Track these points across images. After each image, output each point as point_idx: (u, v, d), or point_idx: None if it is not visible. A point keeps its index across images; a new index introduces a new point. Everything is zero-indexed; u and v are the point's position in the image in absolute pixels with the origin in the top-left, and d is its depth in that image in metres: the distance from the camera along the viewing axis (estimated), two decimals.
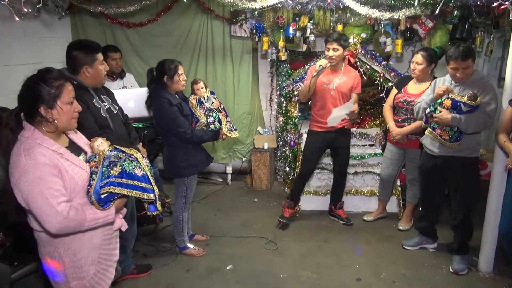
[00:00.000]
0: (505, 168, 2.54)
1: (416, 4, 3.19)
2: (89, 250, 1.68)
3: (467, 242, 2.89)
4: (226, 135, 2.99)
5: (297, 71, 4.23)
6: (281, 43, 4.03)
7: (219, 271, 2.92)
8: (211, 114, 2.91)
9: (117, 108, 2.51)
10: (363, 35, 3.81)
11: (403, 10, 3.30)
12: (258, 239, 3.36)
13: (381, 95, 3.87)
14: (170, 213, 3.59)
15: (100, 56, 2.29)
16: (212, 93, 3.08)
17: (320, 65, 3.09)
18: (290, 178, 4.26)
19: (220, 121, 2.93)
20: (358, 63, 3.71)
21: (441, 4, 3.03)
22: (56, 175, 1.52)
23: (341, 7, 3.65)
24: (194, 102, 2.92)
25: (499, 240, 2.76)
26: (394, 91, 3.36)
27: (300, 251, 3.17)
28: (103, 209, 1.64)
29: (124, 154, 1.73)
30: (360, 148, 3.97)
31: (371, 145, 4.01)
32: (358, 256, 3.08)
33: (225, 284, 2.77)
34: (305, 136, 3.69)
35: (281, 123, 4.31)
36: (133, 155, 1.74)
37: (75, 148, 1.70)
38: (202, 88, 2.99)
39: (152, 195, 1.69)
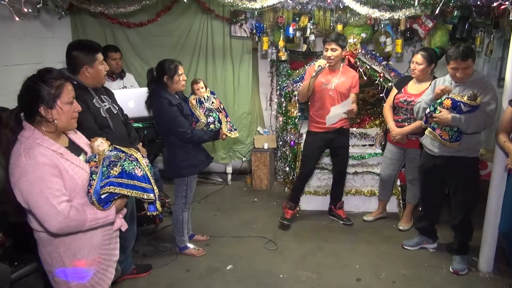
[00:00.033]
0: (505, 168, 2.54)
1: (416, 4, 3.19)
2: (89, 250, 1.68)
3: (467, 242, 2.89)
4: (226, 135, 2.99)
5: (297, 71, 4.23)
6: (281, 43, 4.03)
7: (219, 271, 2.92)
8: (211, 114, 2.91)
9: (117, 108, 2.51)
10: (363, 35, 3.81)
11: (403, 10, 3.30)
12: (258, 239, 3.36)
13: (381, 95, 3.88)
14: (170, 213, 3.59)
15: (100, 56, 2.29)
16: (212, 93, 3.08)
17: (319, 66, 3.09)
18: (290, 178, 4.26)
19: (220, 121, 2.93)
20: (358, 63, 3.71)
21: (441, 4, 3.03)
22: (56, 175, 1.52)
23: (341, 7, 3.65)
24: (194, 102, 2.92)
25: (499, 240, 2.76)
26: (394, 91, 3.36)
27: (300, 251, 3.17)
28: (104, 210, 1.64)
29: (124, 154, 1.73)
30: (360, 148, 3.97)
31: (371, 145, 4.01)
32: (358, 256, 3.08)
33: (225, 284, 2.77)
34: (305, 136, 3.69)
35: (281, 123, 4.31)
36: (133, 155, 1.74)
37: (75, 148, 1.71)
38: (202, 88, 2.99)
39: (152, 195, 1.69)
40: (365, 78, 3.79)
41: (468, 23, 3.70)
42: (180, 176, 2.90)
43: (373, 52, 3.79)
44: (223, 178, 4.81)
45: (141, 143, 2.68)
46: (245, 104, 4.59)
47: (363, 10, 3.18)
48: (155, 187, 1.73)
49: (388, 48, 3.83)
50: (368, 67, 3.73)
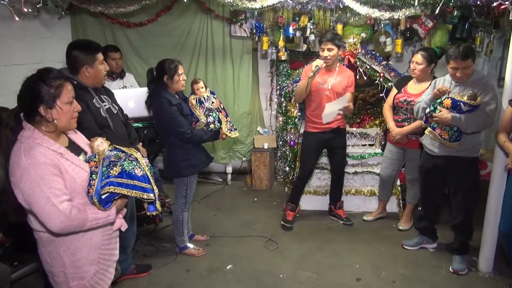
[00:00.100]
0: (505, 168, 2.54)
1: (416, 4, 3.19)
2: (88, 250, 1.68)
3: (467, 242, 2.89)
4: (226, 135, 2.98)
5: (297, 71, 4.23)
6: (281, 43, 4.03)
7: (219, 271, 2.92)
8: (211, 114, 2.91)
9: (117, 108, 2.51)
10: (363, 35, 3.81)
11: (403, 10, 3.29)
12: (258, 239, 3.36)
13: (381, 95, 3.88)
14: (170, 213, 3.59)
15: (100, 56, 2.29)
16: (212, 93, 3.08)
17: (316, 66, 3.09)
18: (290, 178, 4.26)
19: (220, 121, 2.93)
20: (358, 63, 3.71)
21: (441, 4, 3.03)
22: (57, 174, 1.52)
23: (341, 7, 3.64)
24: (194, 102, 2.92)
25: (499, 240, 2.76)
26: (394, 91, 3.36)
27: (300, 251, 3.17)
28: (105, 210, 1.64)
29: (123, 154, 1.73)
30: (360, 148, 3.97)
31: (371, 145, 4.01)
32: (358, 256, 3.08)
33: (225, 284, 2.77)
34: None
35: (281, 123, 4.31)
36: (132, 155, 1.74)
37: (75, 148, 1.70)
38: (202, 88, 2.99)
39: (152, 195, 1.69)
40: (365, 78, 3.79)
41: (468, 23, 3.70)
42: (180, 176, 2.90)
43: (373, 52, 3.79)
44: (223, 178, 4.81)
45: (141, 143, 2.67)
46: (245, 104, 4.59)
47: (363, 10, 3.18)
48: (155, 187, 1.72)
49: (388, 48, 3.83)
50: (368, 67, 3.73)
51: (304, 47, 4.22)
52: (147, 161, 1.78)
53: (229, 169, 4.74)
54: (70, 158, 1.60)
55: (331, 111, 3.21)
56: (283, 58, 4.16)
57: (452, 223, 2.90)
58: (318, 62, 3.11)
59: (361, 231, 3.49)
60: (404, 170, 3.51)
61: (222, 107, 3.05)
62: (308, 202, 3.87)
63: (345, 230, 3.52)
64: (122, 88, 3.58)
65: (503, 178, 2.65)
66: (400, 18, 3.39)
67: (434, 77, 3.04)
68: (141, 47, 4.49)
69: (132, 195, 1.64)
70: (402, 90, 3.26)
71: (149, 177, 1.71)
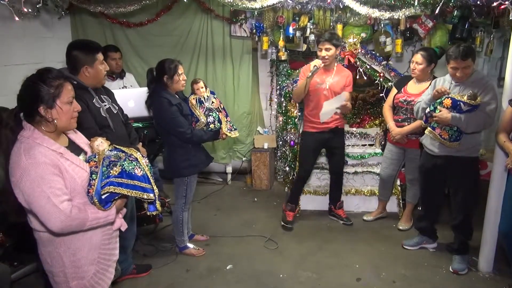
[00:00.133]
0: (505, 168, 2.54)
1: (416, 3, 3.19)
2: (88, 250, 1.68)
3: (467, 242, 2.89)
4: (226, 134, 2.98)
5: (297, 71, 4.22)
6: (281, 43, 4.03)
7: (219, 271, 2.92)
8: (211, 113, 2.91)
9: (117, 108, 2.51)
10: (363, 35, 3.81)
11: (403, 9, 3.29)
12: (258, 239, 3.36)
13: (381, 95, 3.88)
14: (170, 213, 3.59)
15: (100, 56, 2.29)
16: (212, 92, 3.08)
17: (315, 66, 3.10)
18: (290, 178, 4.26)
19: (220, 121, 2.93)
20: (358, 63, 3.71)
21: (441, 4, 3.03)
22: (57, 174, 1.53)
23: (341, 6, 3.64)
24: (194, 101, 2.92)
25: (499, 240, 2.76)
26: (394, 90, 3.36)
27: (300, 251, 3.17)
28: (104, 210, 1.64)
29: (123, 153, 1.73)
30: (360, 148, 3.97)
31: (371, 145, 4.01)
32: (358, 256, 3.08)
33: (225, 284, 2.77)
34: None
35: (281, 123, 4.31)
36: (132, 155, 1.74)
37: (75, 148, 1.70)
38: (202, 88, 2.99)
39: (152, 195, 1.69)
40: (365, 78, 3.79)
41: (468, 23, 3.70)
42: (180, 176, 2.90)
43: (373, 52, 3.79)
44: (223, 178, 4.81)
45: (141, 143, 2.67)
46: (245, 104, 4.59)
47: (363, 10, 3.18)
48: (155, 187, 1.72)
49: (388, 48, 3.83)
50: (368, 67, 3.73)
51: (304, 47, 4.22)
52: (147, 161, 1.78)
53: (229, 169, 4.74)
54: (70, 158, 1.61)
55: (329, 109, 3.22)
56: (283, 58, 4.16)
57: (452, 223, 2.90)
58: (316, 62, 3.12)
59: (361, 231, 3.49)
60: (404, 170, 3.51)
61: (222, 107, 3.05)
62: (308, 202, 3.87)
63: (345, 230, 3.52)
64: (122, 88, 3.58)
65: (503, 178, 2.65)
66: (400, 18, 3.39)
67: (434, 77, 3.04)
68: (141, 47, 4.49)
69: (132, 195, 1.64)
70: (402, 90, 3.26)
71: (149, 177, 1.71)
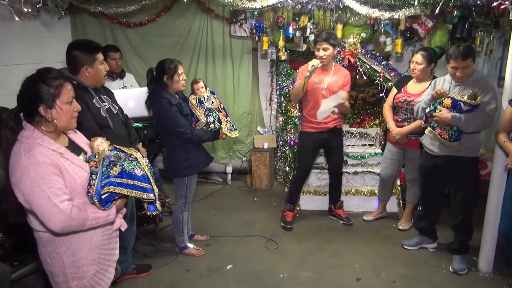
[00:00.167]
0: (505, 168, 2.54)
1: (416, 3, 3.19)
2: (88, 250, 1.68)
3: (467, 242, 2.89)
4: (226, 134, 2.98)
5: (297, 71, 4.22)
6: (281, 43, 4.03)
7: (219, 271, 2.92)
8: (211, 113, 2.91)
9: (117, 108, 2.51)
10: (363, 35, 3.81)
11: (403, 9, 3.30)
12: (258, 239, 3.36)
13: (381, 95, 3.88)
14: (170, 213, 3.59)
15: (100, 56, 2.29)
16: (212, 92, 3.08)
17: (313, 65, 3.10)
18: (290, 178, 4.26)
19: (220, 121, 2.93)
20: (358, 63, 3.71)
21: (441, 4, 3.03)
22: (57, 174, 1.53)
23: (341, 6, 3.64)
24: (194, 101, 2.92)
25: (499, 240, 2.76)
26: (394, 90, 3.36)
27: (300, 251, 3.17)
28: (105, 210, 1.64)
29: (123, 153, 1.73)
30: (360, 148, 3.97)
31: (371, 145, 4.01)
32: (358, 256, 3.08)
33: (225, 284, 2.77)
34: None
35: (281, 122, 4.31)
36: (132, 154, 1.74)
37: (75, 148, 1.70)
38: (202, 88, 2.99)
39: (151, 195, 1.69)
40: (365, 78, 3.79)
41: (468, 23, 3.70)
42: (180, 176, 2.90)
43: (373, 52, 3.79)
44: (223, 178, 4.81)
45: (141, 143, 2.67)
46: (245, 104, 4.59)
47: (363, 9, 3.18)
48: (155, 187, 1.72)
49: (388, 48, 3.83)
50: (368, 67, 3.73)
51: (304, 47, 4.22)
52: (147, 161, 1.78)
53: (229, 169, 4.74)
54: (70, 158, 1.61)
55: (327, 107, 3.22)
56: (283, 58, 4.16)
57: (452, 223, 2.90)
58: (314, 62, 3.12)
59: (361, 231, 3.49)
60: (404, 170, 3.51)
61: (222, 107, 3.05)
62: (308, 202, 3.87)
63: (345, 230, 3.52)
64: (122, 88, 3.58)
65: (503, 178, 2.65)
66: (400, 18, 3.39)
67: (434, 77, 3.04)
68: (141, 47, 4.49)
69: (132, 195, 1.64)
70: (402, 90, 3.26)
71: (149, 177, 1.71)
